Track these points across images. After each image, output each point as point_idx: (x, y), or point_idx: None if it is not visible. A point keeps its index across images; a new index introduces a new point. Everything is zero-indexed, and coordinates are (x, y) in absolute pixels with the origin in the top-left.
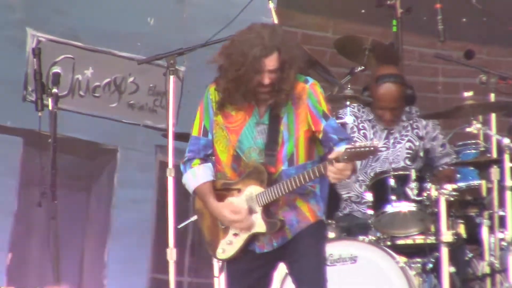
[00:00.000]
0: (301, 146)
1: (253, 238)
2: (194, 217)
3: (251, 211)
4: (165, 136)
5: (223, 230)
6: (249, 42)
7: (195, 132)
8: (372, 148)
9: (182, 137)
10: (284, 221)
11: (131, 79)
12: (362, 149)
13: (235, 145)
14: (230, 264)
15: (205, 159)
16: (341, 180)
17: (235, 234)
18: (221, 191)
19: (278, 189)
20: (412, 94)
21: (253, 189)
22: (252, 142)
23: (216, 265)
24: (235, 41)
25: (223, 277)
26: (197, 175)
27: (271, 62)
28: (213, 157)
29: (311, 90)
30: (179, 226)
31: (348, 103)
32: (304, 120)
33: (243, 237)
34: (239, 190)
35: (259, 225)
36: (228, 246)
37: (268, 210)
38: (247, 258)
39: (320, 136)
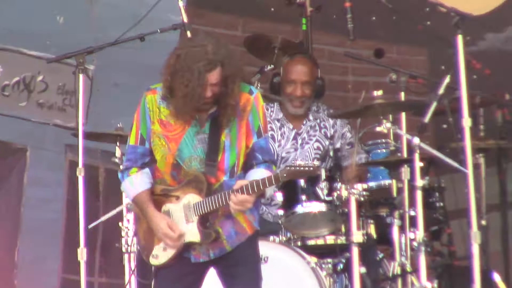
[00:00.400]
0: (241, 158)
1: (189, 246)
2: (105, 217)
3: (187, 219)
4: (75, 135)
5: (158, 236)
6: (193, 56)
7: (132, 141)
8: (311, 169)
9: (91, 136)
10: (219, 232)
11: (40, 78)
12: (302, 168)
13: (175, 154)
14: (162, 269)
15: (142, 167)
16: (241, 211)
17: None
18: (160, 196)
19: (216, 200)
20: (322, 85)
21: (191, 198)
22: (192, 150)
23: (127, 266)
24: (180, 56)
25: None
26: (135, 184)
27: (213, 76)
28: (153, 164)
29: (254, 102)
30: (90, 226)
31: None
32: (245, 132)
33: (177, 246)
34: (177, 198)
35: (194, 235)
36: (162, 252)
37: (204, 220)
38: (181, 265)
39: (248, 151)
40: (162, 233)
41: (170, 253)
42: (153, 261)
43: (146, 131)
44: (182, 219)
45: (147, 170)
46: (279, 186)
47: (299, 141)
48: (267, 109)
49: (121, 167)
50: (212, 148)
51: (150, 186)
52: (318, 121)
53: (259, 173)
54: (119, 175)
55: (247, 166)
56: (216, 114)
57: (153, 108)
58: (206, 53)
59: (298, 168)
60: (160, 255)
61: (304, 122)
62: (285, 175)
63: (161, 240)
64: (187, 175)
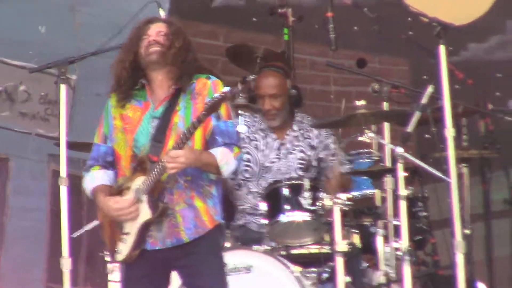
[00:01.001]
0: (197, 141)
1: (146, 233)
2: (88, 226)
3: (138, 201)
4: (58, 145)
5: (119, 234)
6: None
7: (96, 139)
8: (226, 94)
9: (74, 146)
10: (167, 206)
11: (22, 87)
12: (217, 98)
13: (132, 145)
14: (126, 270)
15: (105, 166)
16: (178, 168)
17: (127, 233)
18: (117, 195)
19: (154, 170)
20: (296, 94)
21: (139, 181)
22: (147, 138)
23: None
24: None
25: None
26: (95, 178)
27: (158, 27)
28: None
29: (212, 86)
30: (74, 235)
31: (240, 112)
32: None
33: (134, 231)
34: (128, 188)
35: (145, 212)
36: (123, 245)
37: (153, 197)
38: (142, 262)
39: (207, 135)
40: (113, 209)
41: (130, 242)
42: (118, 257)
43: (108, 128)
44: (129, 200)
45: (110, 172)
46: (263, 196)
47: (283, 151)
48: (253, 119)
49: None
50: (160, 129)
51: (109, 184)
52: (302, 131)
53: (216, 150)
54: (83, 173)
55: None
56: (170, 96)
57: (117, 105)
58: (148, 17)
59: (214, 99)
60: (122, 248)
61: (288, 132)
62: (204, 112)
63: (121, 233)
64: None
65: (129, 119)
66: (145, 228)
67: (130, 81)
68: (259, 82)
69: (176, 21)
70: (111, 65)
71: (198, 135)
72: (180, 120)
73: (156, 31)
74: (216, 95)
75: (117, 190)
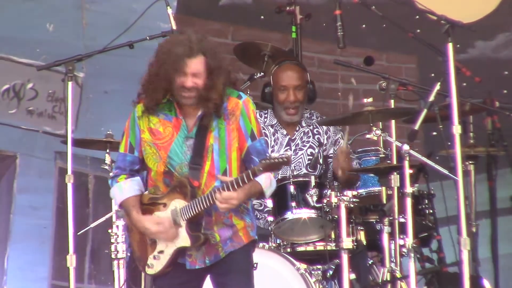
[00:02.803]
0: (234, 162)
1: (184, 253)
2: (94, 224)
3: (176, 225)
4: (65, 142)
5: (150, 245)
6: (176, 42)
7: (122, 149)
8: (285, 159)
9: (81, 143)
10: (207, 235)
11: (30, 85)
12: (276, 160)
13: (166, 161)
14: (159, 278)
15: (132, 174)
16: (229, 208)
17: (161, 251)
18: (148, 205)
19: (200, 202)
20: (313, 90)
21: (177, 203)
22: (182, 157)
23: (116, 272)
24: (161, 44)
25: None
26: (123, 189)
27: (195, 65)
28: (144, 172)
29: (244, 106)
30: (79, 233)
31: None
32: (236, 137)
33: (169, 252)
34: (164, 205)
35: (183, 239)
36: (155, 261)
37: (193, 224)
38: (177, 273)
39: (243, 154)
40: (152, 232)
41: (164, 261)
42: (149, 271)
43: (135, 139)
44: (168, 222)
45: (137, 177)
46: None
47: (293, 147)
48: (261, 116)
49: (111, 174)
50: (197, 151)
51: (139, 193)
52: (312, 127)
53: (259, 179)
54: (109, 181)
55: (246, 170)
56: (202, 116)
57: (142, 116)
58: (190, 41)
59: (272, 160)
60: (154, 263)
61: (297, 129)
62: (261, 168)
63: (155, 247)
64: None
65: (160, 134)
66: (181, 251)
67: (160, 97)
68: (282, 74)
69: (212, 43)
70: (142, 80)
71: (235, 157)
72: (215, 142)
73: (193, 73)
74: (277, 157)
75: (149, 201)
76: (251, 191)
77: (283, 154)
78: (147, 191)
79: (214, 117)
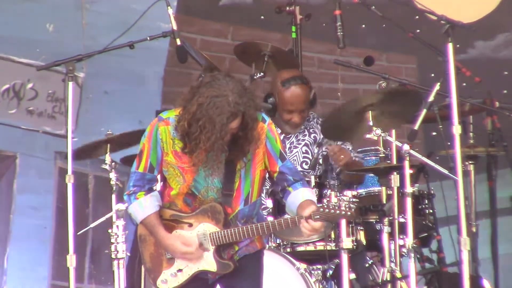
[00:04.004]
0: (256, 185)
1: (205, 272)
2: (94, 224)
3: (201, 247)
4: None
5: (167, 261)
6: (215, 107)
7: (141, 168)
8: (345, 216)
9: (82, 153)
10: (236, 264)
11: (30, 85)
12: (336, 216)
13: (190, 185)
14: None
15: (150, 190)
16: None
17: (180, 270)
18: (170, 221)
19: (235, 233)
20: (314, 96)
21: (206, 227)
22: (209, 181)
23: (117, 272)
24: (201, 105)
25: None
26: (145, 207)
27: (234, 125)
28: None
29: (269, 129)
30: (79, 233)
31: None
32: (261, 160)
33: (189, 272)
34: (190, 225)
35: (209, 264)
36: (172, 278)
37: (221, 250)
38: (193, 285)
39: (275, 176)
40: (181, 252)
41: (181, 279)
42: (162, 286)
43: (156, 160)
44: (196, 244)
45: (155, 193)
46: (269, 193)
47: (288, 145)
48: None
49: (127, 191)
50: (229, 177)
51: (159, 209)
52: (307, 126)
53: (305, 193)
54: (125, 197)
55: (279, 190)
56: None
57: (167, 139)
58: (229, 104)
59: (331, 215)
60: (169, 280)
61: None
62: (317, 217)
63: (173, 264)
64: (203, 203)
65: (186, 159)
66: (202, 272)
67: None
68: (289, 97)
69: (250, 93)
70: (181, 116)
71: (257, 179)
72: (242, 167)
73: (231, 129)
74: (338, 212)
75: (172, 217)
76: None
77: (343, 207)
78: (165, 207)
79: None
